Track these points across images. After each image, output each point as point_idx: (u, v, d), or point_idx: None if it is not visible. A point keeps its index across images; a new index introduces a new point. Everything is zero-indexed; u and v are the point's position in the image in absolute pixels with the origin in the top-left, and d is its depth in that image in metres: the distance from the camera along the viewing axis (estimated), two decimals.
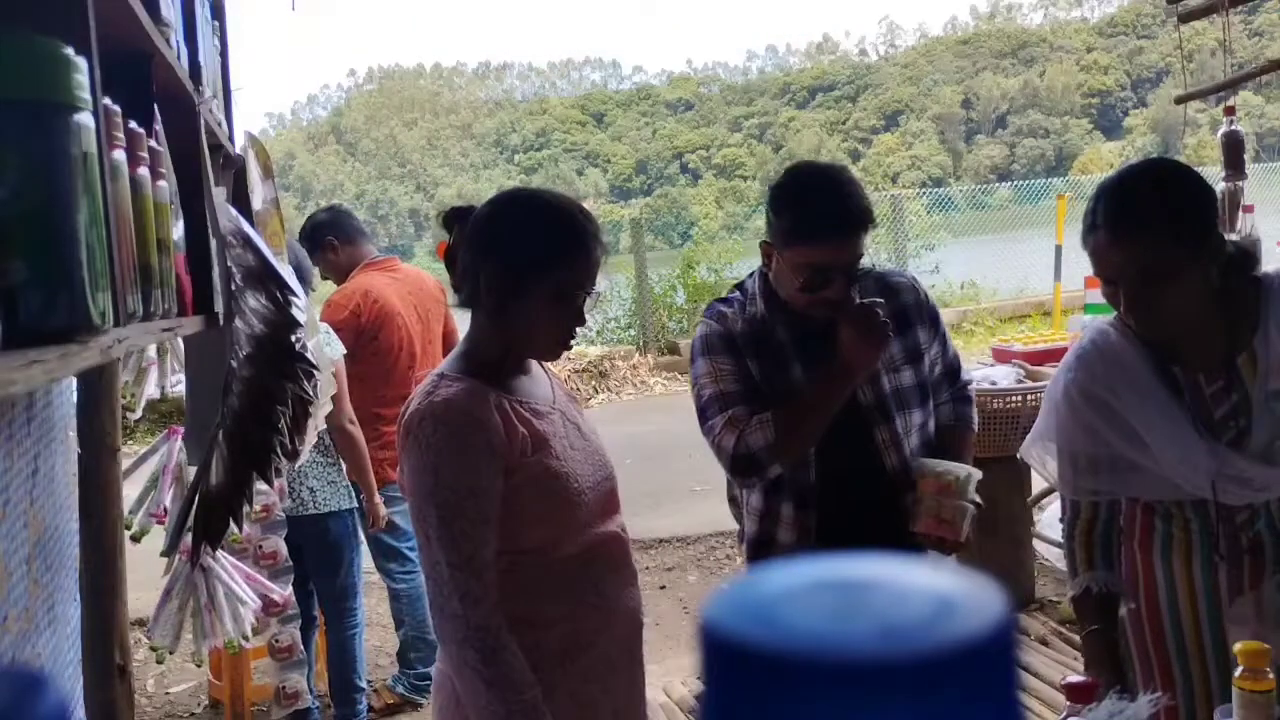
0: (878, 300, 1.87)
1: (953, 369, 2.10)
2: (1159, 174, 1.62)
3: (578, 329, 1.60)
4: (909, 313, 2.01)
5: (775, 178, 1.96)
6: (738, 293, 2.05)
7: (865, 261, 1.92)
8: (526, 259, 1.53)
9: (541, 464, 1.53)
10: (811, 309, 1.89)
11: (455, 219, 1.62)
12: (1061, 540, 1.88)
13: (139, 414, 2.35)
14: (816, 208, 1.84)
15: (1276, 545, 1.67)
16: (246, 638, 2.64)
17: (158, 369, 2.36)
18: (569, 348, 1.64)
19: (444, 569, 1.45)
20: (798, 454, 1.90)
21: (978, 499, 1.90)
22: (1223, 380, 1.63)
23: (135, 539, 2.19)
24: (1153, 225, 1.52)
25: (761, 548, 2.00)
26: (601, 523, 1.63)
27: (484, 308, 1.57)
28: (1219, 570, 1.70)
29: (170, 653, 2.39)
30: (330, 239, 3.64)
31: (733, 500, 2.14)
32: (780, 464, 1.88)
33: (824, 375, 1.86)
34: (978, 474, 1.92)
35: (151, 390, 2.36)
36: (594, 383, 9.71)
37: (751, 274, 2.06)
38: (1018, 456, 1.95)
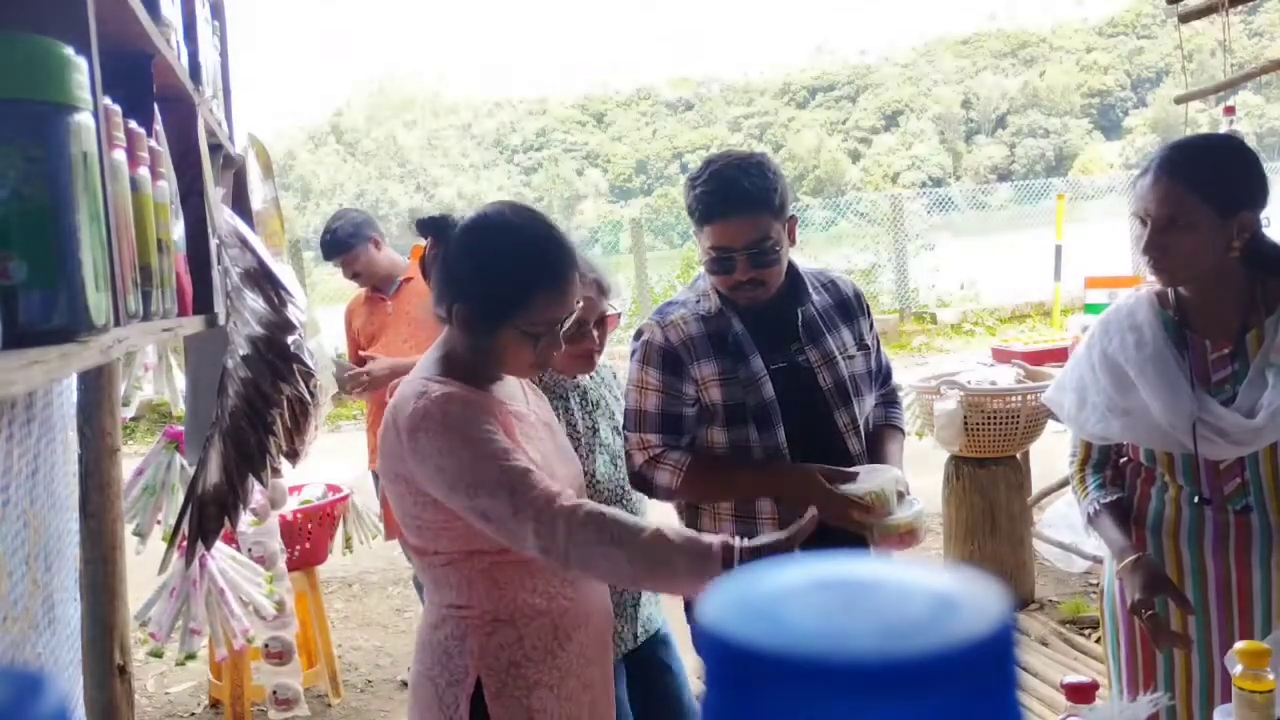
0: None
1: (885, 372, 2.14)
2: (1220, 142, 1.80)
3: (554, 353, 1.58)
4: (851, 304, 2.08)
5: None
6: (689, 292, 2.04)
7: (818, 265, 1.95)
8: (496, 302, 1.53)
9: None
10: (733, 293, 1.91)
11: (430, 228, 1.61)
12: (1068, 486, 1.99)
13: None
14: (712, 189, 1.86)
15: (1264, 526, 1.74)
16: (192, 656, 2.70)
17: (127, 376, 2.37)
18: (545, 369, 1.62)
19: (506, 505, 1.42)
20: (694, 502, 1.98)
21: (903, 488, 1.82)
22: (1228, 349, 1.76)
23: None
24: (1187, 175, 1.67)
25: None
26: None
27: (460, 331, 1.59)
28: (1204, 547, 1.79)
29: (152, 637, 2.46)
30: (375, 236, 3.70)
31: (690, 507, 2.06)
32: (670, 501, 1.98)
33: (764, 470, 1.90)
34: (895, 473, 1.84)
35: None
36: None
37: (702, 272, 2.06)
38: (1041, 400, 2.16)
